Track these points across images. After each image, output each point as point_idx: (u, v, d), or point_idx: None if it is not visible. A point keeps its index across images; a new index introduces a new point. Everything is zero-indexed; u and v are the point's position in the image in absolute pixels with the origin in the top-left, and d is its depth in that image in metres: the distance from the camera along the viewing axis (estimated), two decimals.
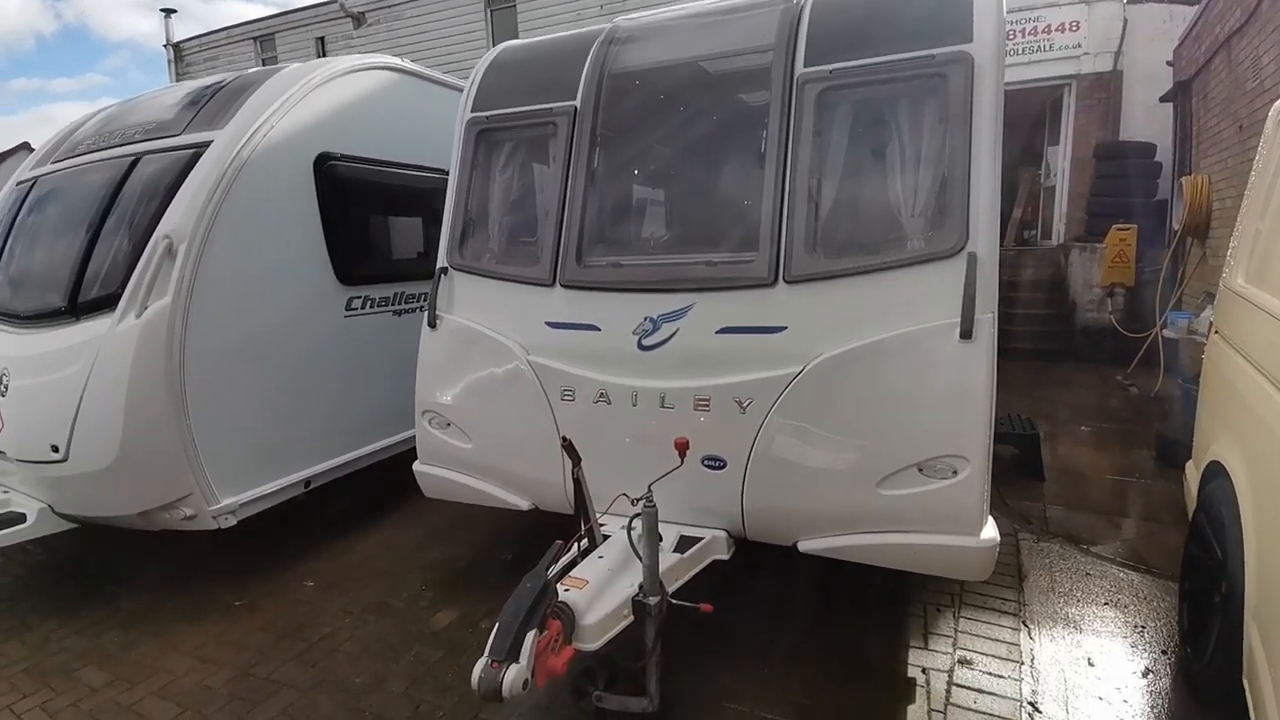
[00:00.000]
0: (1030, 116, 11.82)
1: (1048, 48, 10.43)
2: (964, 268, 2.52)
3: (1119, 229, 8.63)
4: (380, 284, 4.39)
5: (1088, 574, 3.52)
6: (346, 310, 4.18)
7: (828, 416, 2.69)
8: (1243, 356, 2.72)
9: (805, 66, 2.92)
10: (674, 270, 3.06)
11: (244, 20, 17.96)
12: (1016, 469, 4.95)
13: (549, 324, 3.23)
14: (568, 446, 2.55)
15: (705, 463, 2.87)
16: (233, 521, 3.60)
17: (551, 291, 3.23)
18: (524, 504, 3.32)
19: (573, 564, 2.52)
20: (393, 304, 4.49)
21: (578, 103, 3.32)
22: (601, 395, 3.06)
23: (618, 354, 3.05)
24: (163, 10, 18.70)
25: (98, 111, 4.56)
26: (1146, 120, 9.72)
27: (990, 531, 2.52)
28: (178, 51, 18.67)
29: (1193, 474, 3.26)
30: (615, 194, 3.30)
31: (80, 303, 3.62)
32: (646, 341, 3.00)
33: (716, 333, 2.89)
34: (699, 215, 3.35)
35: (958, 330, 2.49)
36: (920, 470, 2.55)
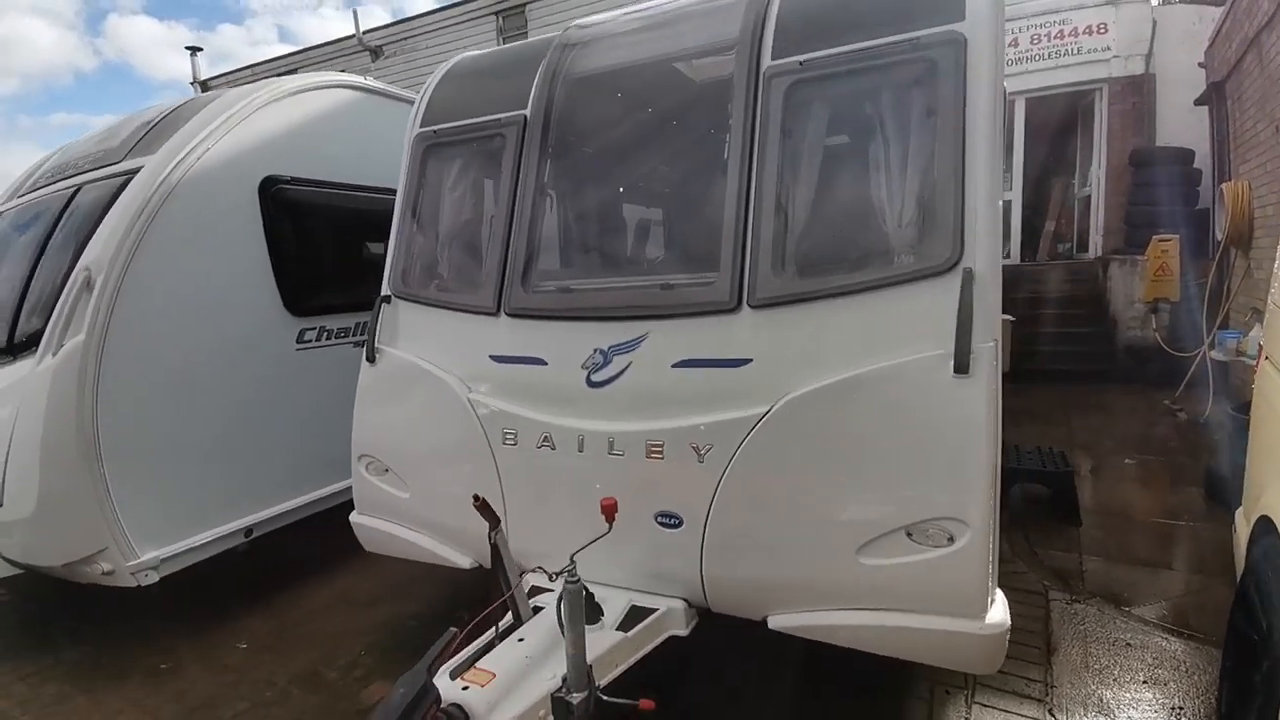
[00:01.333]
0: (1061, 123, 11.23)
1: (1075, 51, 9.90)
2: (958, 287, 2.08)
3: (1160, 240, 7.98)
4: (338, 314, 4.09)
5: (1128, 644, 2.98)
6: (298, 343, 3.88)
7: (798, 466, 2.25)
8: None
9: (773, 59, 2.53)
10: (627, 295, 2.67)
11: (269, 58, 18.28)
12: (1049, 512, 4.40)
13: (493, 357, 2.86)
14: (481, 506, 2.16)
15: (659, 520, 2.45)
16: (155, 578, 3.29)
17: (496, 321, 2.87)
18: (465, 562, 2.93)
19: (488, 648, 2.11)
20: (353, 335, 4.17)
21: (528, 112, 2.98)
22: (545, 439, 2.66)
23: (565, 391, 2.66)
24: (189, 48, 19.22)
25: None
26: (1183, 125, 9.10)
27: (998, 614, 2.04)
28: (204, 89, 19.12)
29: (1242, 526, 2.72)
30: (567, 211, 2.94)
31: (15, 341, 3.40)
32: (596, 377, 2.61)
33: (673, 366, 2.48)
34: (656, 232, 2.96)
35: (951, 363, 2.04)
36: (909, 536, 2.09)
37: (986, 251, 2.14)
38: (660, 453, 2.43)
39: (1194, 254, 8.05)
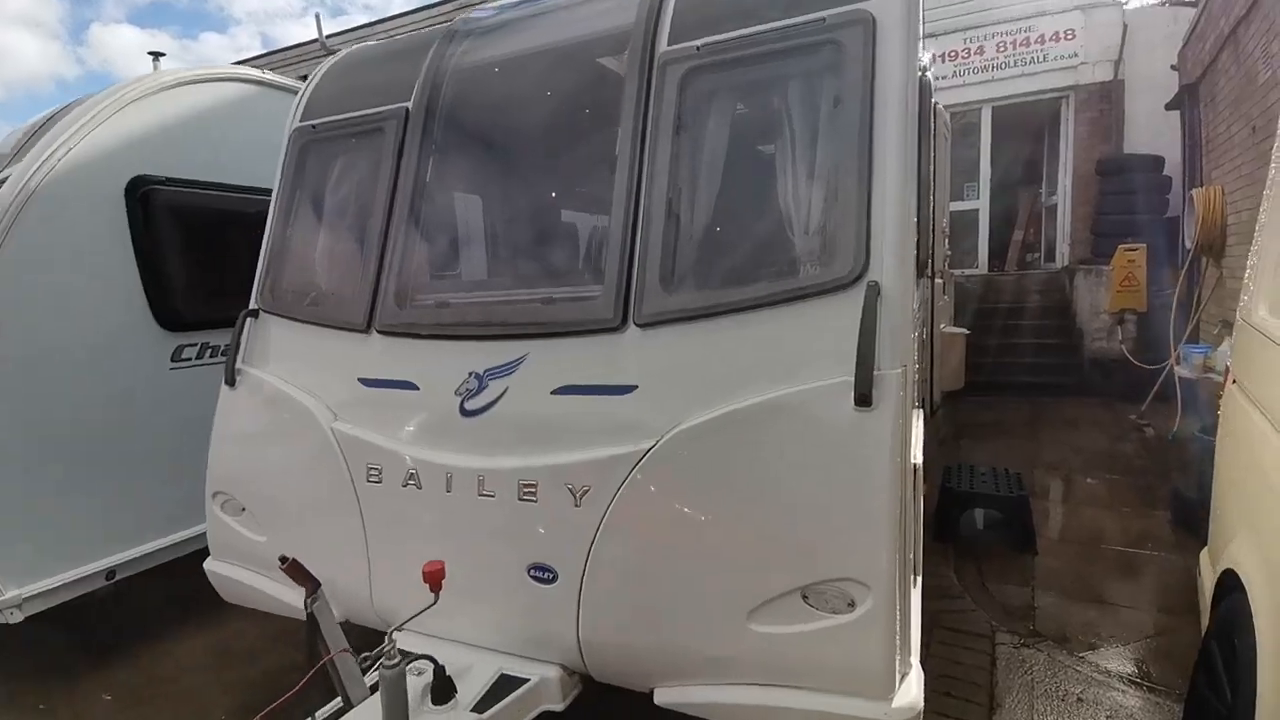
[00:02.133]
0: (1029, 132, 11.11)
1: (1042, 59, 9.75)
2: (860, 304, 1.77)
3: (1126, 249, 7.82)
4: (224, 328, 3.70)
5: (1080, 699, 2.68)
6: (174, 361, 3.50)
7: (683, 513, 1.92)
8: (1269, 420, 1.93)
9: (668, 45, 2.23)
10: (507, 311, 2.35)
11: (234, 64, 17.80)
12: (1002, 539, 4.12)
13: (362, 381, 2.52)
14: (291, 568, 1.81)
15: (533, 573, 2.11)
16: (19, 617, 2.93)
17: (367, 339, 2.53)
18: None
19: None
20: None
21: (410, 104, 2.66)
22: (411, 477, 2.32)
23: (436, 420, 2.33)
24: (151, 54, 18.69)
25: None
26: (1152, 131, 8.95)
27: (910, 695, 1.72)
28: None
29: (1207, 570, 2.44)
30: (449, 215, 2.60)
31: None
32: (469, 404, 2.27)
33: (552, 393, 2.15)
34: (542, 240, 2.64)
35: (851, 393, 1.73)
36: (805, 599, 1.76)
37: (896, 263, 1.84)
38: (534, 494, 2.10)
39: (1162, 263, 7.88)
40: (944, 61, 10.26)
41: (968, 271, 10.04)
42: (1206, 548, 2.66)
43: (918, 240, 2.19)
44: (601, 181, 2.23)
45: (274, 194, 2.99)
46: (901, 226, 1.86)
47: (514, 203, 2.72)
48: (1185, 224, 7.29)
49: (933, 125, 3.82)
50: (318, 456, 2.51)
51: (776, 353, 1.90)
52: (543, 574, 2.08)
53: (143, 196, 3.33)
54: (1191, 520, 4.18)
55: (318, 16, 25.42)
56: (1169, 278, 7.66)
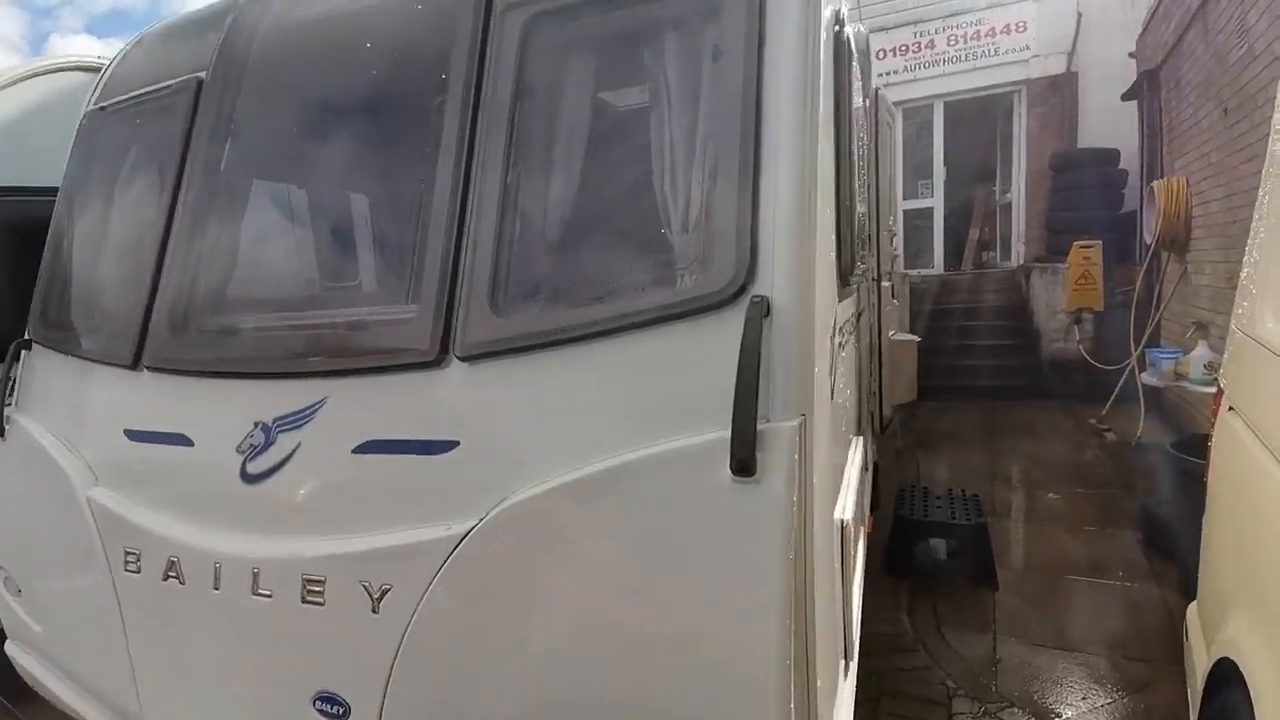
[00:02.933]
0: (981, 127, 10.85)
1: (993, 52, 9.49)
2: (740, 329, 1.26)
3: (1081, 246, 7.51)
4: None
5: None
6: None
7: (512, 626, 1.39)
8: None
9: None
10: (305, 340, 1.78)
11: None
12: (959, 571, 3.68)
13: (128, 433, 1.94)
14: None
15: (319, 705, 1.55)
16: None
17: (136, 379, 1.95)
18: None
19: None
20: None
21: (205, 75, 2.09)
22: (172, 567, 1.75)
23: (211, 489, 1.76)
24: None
25: None
26: (1107, 124, 8.72)
27: None
28: None
29: (1197, 641, 1.99)
30: (246, 215, 2.03)
31: None
32: (253, 466, 1.71)
33: (354, 451, 1.60)
34: (352, 246, 2.08)
35: (726, 457, 1.22)
36: None
37: (797, 270, 1.33)
38: (320, 595, 1.54)
39: (1119, 260, 7.61)
40: (895, 56, 9.95)
41: (923, 271, 9.73)
42: (1195, 603, 2.22)
43: (839, 240, 1.70)
44: (426, 168, 1.69)
45: (59, 194, 2.41)
46: (802, 220, 1.36)
47: (322, 198, 2.16)
48: (1145, 218, 7.02)
49: (867, 104, 3.35)
50: (72, 532, 1.92)
51: (637, 395, 1.38)
52: (331, 707, 1.53)
53: None
54: (1163, 542, 3.80)
55: None
56: (1126, 275, 7.39)
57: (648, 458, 1.30)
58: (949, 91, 9.73)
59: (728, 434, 1.22)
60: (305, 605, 1.55)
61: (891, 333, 4.86)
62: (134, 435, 1.91)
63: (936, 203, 10.09)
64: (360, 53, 1.91)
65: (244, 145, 1.99)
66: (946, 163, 10.07)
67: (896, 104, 9.87)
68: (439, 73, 1.72)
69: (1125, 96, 7.90)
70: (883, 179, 4.46)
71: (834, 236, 1.70)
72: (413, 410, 1.56)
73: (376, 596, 1.47)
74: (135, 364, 1.92)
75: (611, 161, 1.60)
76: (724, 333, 1.29)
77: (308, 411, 1.67)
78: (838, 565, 1.60)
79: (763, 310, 1.27)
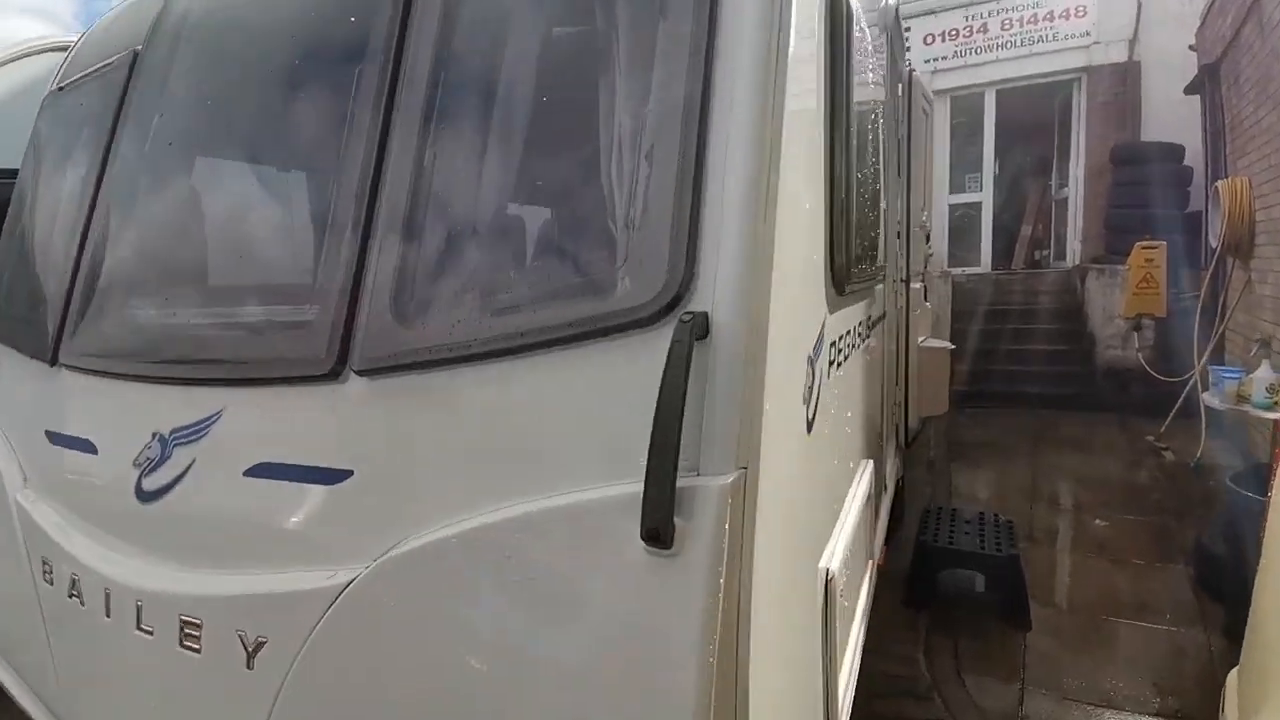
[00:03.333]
0: (1037, 117, 10.20)
1: (1050, 37, 8.86)
2: (664, 352, 1.00)
3: (1144, 247, 6.92)
4: None
5: None
6: None
7: (396, 694, 1.16)
8: None
9: None
10: (206, 342, 1.59)
11: None
12: (988, 609, 3.32)
13: (48, 434, 1.79)
14: None
15: None
16: None
17: (54, 376, 1.79)
18: None
19: None
20: None
21: (140, 47, 1.92)
22: (74, 585, 1.58)
23: (109, 503, 1.59)
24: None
25: None
26: (1171, 118, 8.04)
27: None
28: None
29: (1232, 705, 1.65)
30: (159, 202, 1.84)
31: None
32: (148, 482, 1.52)
33: (245, 474, 1.40)
34: (261, 237, 1.86)
35: (637, 522, 0.96)
36: None
37: (748, 280, 1.06)
38: (197, 641, 1.34)
39: (1184, 263, 7.00)
40: (944, 41, 9.40)
41: (969, 271, 9.21)
42: (1237, 669, 1.88)
43: (833, 241, 1.43)
44: (337, 155, 1.46)
45: (17, 178, 2.29)
46: (758, 218, 1.08)
47: (238, 183, 1.95)
48: (1210, 219, 6.43)
49: (899, 88, 3.02)
50: (3, 533, 1.79)
51: (551, 429, 1.13)
52: None
53: None
54: (1216, 581, 3.39)
55: None
56: (1191, 280, 6.80)
57: (555, 510, 1.06)
58: (1002, 79, 9.14)
59: (638, 488, 0.96)
60: (182, 650, 1.35)
61: (921, 339, 4.49)
62: (52, 437, 1.76)
63: (985, 197, 9.53)
64: (279, 28, 1.71)
65: (168, 126, 1.81)
66: (997, 155, 9.49)
67: (943, 92, 9.38)
68: (357, 50, 1.49)
69: (1188, 90, 7.27)
70: (916, 171, 4.10)
71: (826, 237, 1.43)
72: (307, 431, 1.35)
73: (251, 650, 1.27)
74: (54, 360, 1.77)
75: (540, 149, 1.34)
76: (653, 357, 1.03)
77: (203, 425, 1.47)
78: (819, 624, 1.34)
79: (695, 330, 1.01)
